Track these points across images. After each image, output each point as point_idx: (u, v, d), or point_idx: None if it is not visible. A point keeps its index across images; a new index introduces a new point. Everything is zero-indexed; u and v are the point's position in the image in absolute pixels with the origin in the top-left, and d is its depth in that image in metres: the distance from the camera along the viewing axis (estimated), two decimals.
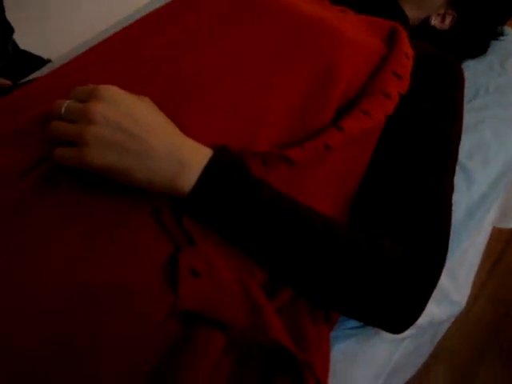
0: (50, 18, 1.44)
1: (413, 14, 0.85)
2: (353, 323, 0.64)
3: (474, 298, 1.40)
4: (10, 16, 1.33)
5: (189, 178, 0.49)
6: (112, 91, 0.51)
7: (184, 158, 0.50)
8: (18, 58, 1.36)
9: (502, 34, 0.97)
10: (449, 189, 0.63)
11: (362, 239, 0.54)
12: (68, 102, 0.52)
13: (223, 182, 0.50)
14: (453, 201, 0.62)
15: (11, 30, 1.36)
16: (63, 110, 0.51)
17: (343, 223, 0.58)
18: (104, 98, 0.50)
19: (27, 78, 0.95)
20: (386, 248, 0.54)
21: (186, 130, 0.53)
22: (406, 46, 0.66)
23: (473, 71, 0.94)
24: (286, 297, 0.55)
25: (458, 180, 0.77)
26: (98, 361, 0.47)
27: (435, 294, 0.56)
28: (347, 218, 0.61)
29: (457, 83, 0.71)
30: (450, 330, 0.99)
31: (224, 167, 0.51)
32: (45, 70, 1.04)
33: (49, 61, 1.35)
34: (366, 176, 0.63)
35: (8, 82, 0.86)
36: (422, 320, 0.58)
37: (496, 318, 1.39)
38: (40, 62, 1.36)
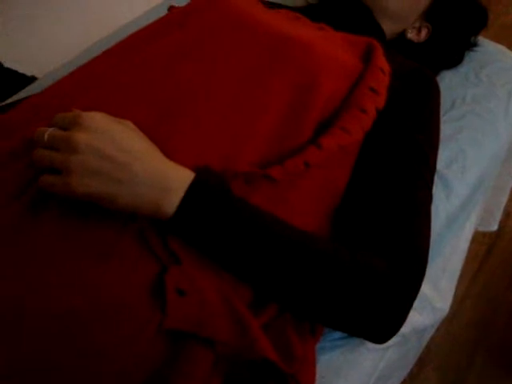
0: (34, 32, 1.44)
1: (389, 28, 0.88)
2: (338, 334, 0.65)
3: (460, 301, 1.42)
4: None
5: (172, 201, 0.51)
6: (95, 119, 0.52)
7: (167, 181, 0.51)
8: (1, 77, 1.36)
9: (475, 44, 1.00)
10: (427, 199, 0.65)
11: (344, 253, 0.56)
12: (50, 129, 0.53)
13: (205, 204, 0.51)
14: (432, 210, 0.64)
15: None
16: (46, 137, 0.52)
17: (325, 238, 0.60)
18: (87, 127, 0.51)
19: (13, 99, 0.96)
20: (366, 260, 0.55)
21: (169, 151, 0.54)
22: (381, 62, 0.68)
23: (449, 82, 0.96)
24: (271, 312, 0.56)
25: (437, 189, 0.79)
26: (86, 379, 0.48)
27: (417, 302, 0.57)
28: (329, 233, 0.63)
29: (433, 96, 0.73)
30: (438, 333, 1.01)
31: (205, 189, 0.52)
32: (30, 89, 1.05)
33: (33, 78, 1.35)
34: (347, 190, 0.64)
35: None
36: (405, 328, 0.59)
37: (483, 320, 1.41)
38: (24, 79, 1.36)
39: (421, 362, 1.19)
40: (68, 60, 1.10)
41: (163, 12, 0.81)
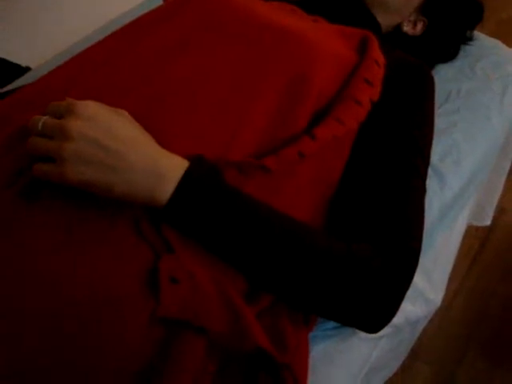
0: (28, 22, 1.43)
1: (385, 21, 0.88)
2: (331, 324, 0.66)
3: (453, 295, 1.43)
4: None
5: (166, 190, 0.51)
6: (88, 107, 0.52)
7: (161, 170, 0.51)
8: None
9: (471, 38, 1.00)
10: (421, 192, 0.65)
11: (338, 243, 0.56)
12: (45, 118, 0.52)
13: (198, 193, 0.52)
14: (426, 202, 0.64)
15: None
16: (40, 126, 0.52)
17: (319, 228, 0.60)
18: (80, 114, 0.51)
19: (7, 89, 0.95)
20: (359, 250, 0.56)
21: (163, 140, 0.54)
22: (376, 54, 0.68)
23: (444, 76, 0.96)
24: (265, 301, 0.56)
25: (431, 182, 0.79)
26: (84, 370, 0.48)
27: (410, 293, 0.58)
28: (323, 223, 0.63)
29: (428, 89, 0.73)
30: (431, 326, 1.01)
31: (199, 178, 0.52)
32: (25, 79, 1.04)
33: (27, 68, 1.35)
34: (341, 181, 0.64)
35: None
36: (398, 319, 0.60)
37: (476, 314, 1.42)
38: (18, 69, 1.35)
39: (413, 355, 1.19)
40: (62, 50, 1.09)
41: (158, 2, 0.81)
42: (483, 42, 1.04)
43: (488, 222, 1.31)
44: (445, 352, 1.34)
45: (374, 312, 0.56)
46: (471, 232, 1.43)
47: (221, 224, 0.52)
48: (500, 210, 1.58)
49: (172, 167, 0.52)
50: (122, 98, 0.58)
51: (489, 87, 0.95)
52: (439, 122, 0.83)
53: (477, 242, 1.57)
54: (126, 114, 0.54)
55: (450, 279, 0.95)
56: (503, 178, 1.20)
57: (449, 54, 1.01)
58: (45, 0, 1.43)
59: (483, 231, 1.56)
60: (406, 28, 0.91)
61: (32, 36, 1.38)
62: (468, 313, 1.42)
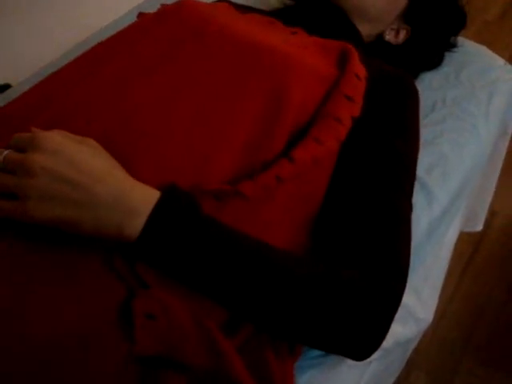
0: (7, 41, 1.41)
1: (366, 30, 0.86)
2: (316, 352, 0.63)
3: (447, 301, 1.41)
4: None
5: (136, 224, 0.48)
6: (52, 139, 0.49)
7: (130, 203, 0.48)
8: None
9: (455, 45, 0.99)
10: (407, 209, 0.63)
11: (320, 269, 0.54)
12: (6, 152, 0.50)
13: (170, 226, 0.49)
14: (414, 218, 0.62)
15: None
16: (1, 160, 0.50)
17: (300, 254, 0.58)
18: (44, 148, 0.49)
19: None
20: (344, 276, 0.54)
21: (134, 169, 0.52)
22: (357, 67, 0.66)
23: (429, 84, 0.95)
24: (246, 333, 0.54)
25: (419, 197, 0.77)
26: None
27: (399, 314, 0.56)
28: (306, 245, 0.61)
29: (412, 102, 0.71)
30: (426, 335, 1.00)
31: (171, 210, 0.50)
32: (4, 97, 1.02)
33: (6, 85, 1.32)
34: (325, 202, 0.62)
35: None
36: (387, 342, 0.58)
37: (470, 320, 1.40)
38: None
39: (409, 365, 1.18)
40: (40, 68, 1.07)
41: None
42: (467, 48, 1.02)
43: (480, 228, 1.30)
44: (441, 359, 1.33)
45: (361, 338, 0.54)
46: (463, 237, 1.42)
47: (195, 258, 0.50)
48: (492, 214, 1.56)
49: (142, 200, 0.49)
50: (90, 124, 0.56)
51: (474, 95, 0.94)
52: (425, 133, 0.81)
53: (469, 246, 1.56)
54: (94, 142, 0.52)
55: (444, 285, 0.94)
56: (494, 183, 1.18)
57: (433, 61, 0.99)
58: (22, 16, 1.41)
59: (476, 235, 1.55)
60: (389, 37, 0.89)
61: (10, 52, 1.36)
62: (463, 318, 1.40)
